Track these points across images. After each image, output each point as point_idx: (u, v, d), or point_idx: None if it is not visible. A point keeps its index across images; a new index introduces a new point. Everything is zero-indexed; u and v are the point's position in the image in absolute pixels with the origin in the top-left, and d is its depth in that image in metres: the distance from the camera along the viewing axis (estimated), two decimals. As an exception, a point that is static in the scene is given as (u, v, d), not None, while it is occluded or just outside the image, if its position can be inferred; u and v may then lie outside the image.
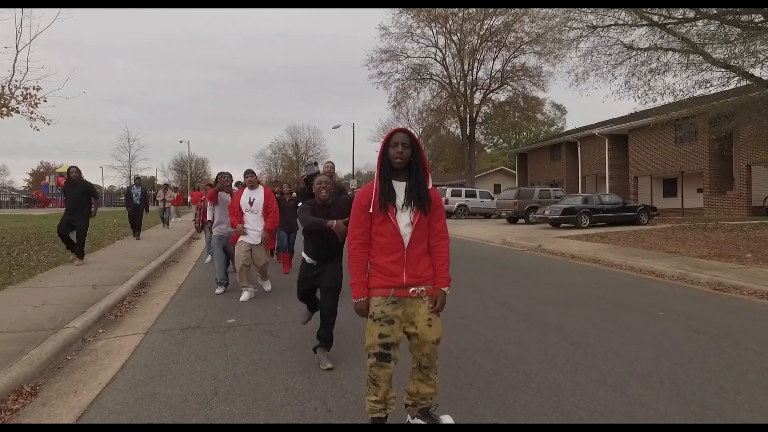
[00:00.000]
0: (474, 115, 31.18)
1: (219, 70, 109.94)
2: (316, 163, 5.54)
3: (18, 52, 9.83)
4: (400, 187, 2.33)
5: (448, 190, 23.67)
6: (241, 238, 5.72)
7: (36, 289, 6.08)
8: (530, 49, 28.37)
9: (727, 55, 9.50)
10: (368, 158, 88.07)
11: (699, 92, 10.67)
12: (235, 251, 5.81)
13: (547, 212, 15.39)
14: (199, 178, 63.15)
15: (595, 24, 10.49)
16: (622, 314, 5.13)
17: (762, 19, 8.27)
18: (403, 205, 2.30)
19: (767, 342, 4.12)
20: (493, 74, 30.49)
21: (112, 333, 4.60)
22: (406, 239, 2.30)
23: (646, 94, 11.19)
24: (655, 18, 10.25)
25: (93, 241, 10.90)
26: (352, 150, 30.69)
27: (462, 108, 30.40)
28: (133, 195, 12.80)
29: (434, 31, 29.95)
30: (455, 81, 30.96)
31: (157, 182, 53.11)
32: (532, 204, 18.09)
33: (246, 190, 5.84)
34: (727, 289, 6.49)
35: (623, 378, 3.27)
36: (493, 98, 31.89)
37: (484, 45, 29.58)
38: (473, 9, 27.88)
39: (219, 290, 6.20)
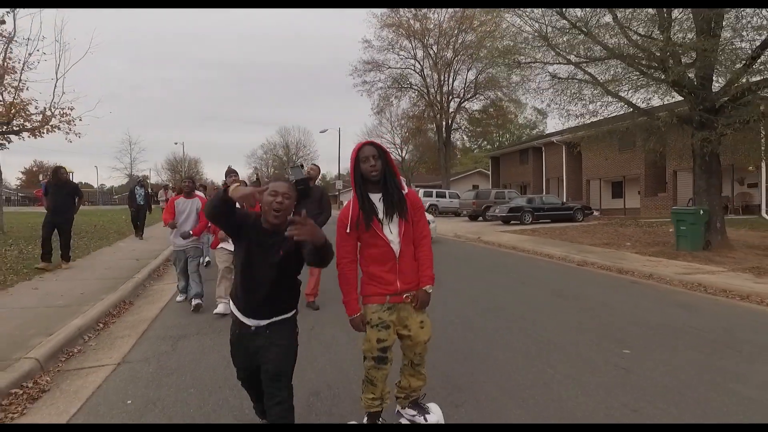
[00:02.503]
0: (449, 122, 33.88)
1: (210, 69, 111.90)
2: (302, 165, 5.35)
3: (57, 80, 12.23)
4: (377, 199, 2.36)
5: (421, 191, 26.33)
6: (221, 245, 5.14)
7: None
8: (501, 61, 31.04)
9: (617, 88, 12.18)
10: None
11: (604, 115, 13.38)
12: (216, 257, 5.33)
13: (497, 211, 18.12)
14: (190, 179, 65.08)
15: (521, 62, 13.15)
16: (499, 280, 7.73)
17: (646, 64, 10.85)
18: (385, 217, 2.34)
19: (591, 296, 6.75)
20: (467, 85, 33.18)
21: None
22: (396, 249, 2.35)
23: (567, 115, 13.87)
24: (572, 59, 12.92)
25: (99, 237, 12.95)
26: (338, 154, 33.15)
27: (438, 116, 33.08)
28: (137, 195, 12.96)
29: (413, 44, 32.58)
30: (433, 90, 33.62)
31: (150, 182, 55.54)
32: (488, 203, 20.77)
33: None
34: (586, 265, 9.15)
35: (487, 319, 5.87)
36: (467, 106, 34.59)
37: (458, 58, 32.25)
38: (447, 26, 30.53)
39: (180, 297, 5.83)
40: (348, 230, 2.32)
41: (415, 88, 34.10)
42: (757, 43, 9.31)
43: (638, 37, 10.41)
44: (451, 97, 33.67)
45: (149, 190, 14.74)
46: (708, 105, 9.90)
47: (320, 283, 5.57)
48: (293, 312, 2.26)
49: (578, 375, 3.45)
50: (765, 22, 9.04)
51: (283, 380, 2.13)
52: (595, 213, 22.66)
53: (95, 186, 71.04)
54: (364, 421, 2.54)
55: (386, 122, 41.94)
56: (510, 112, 35.05)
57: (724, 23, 9.63)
